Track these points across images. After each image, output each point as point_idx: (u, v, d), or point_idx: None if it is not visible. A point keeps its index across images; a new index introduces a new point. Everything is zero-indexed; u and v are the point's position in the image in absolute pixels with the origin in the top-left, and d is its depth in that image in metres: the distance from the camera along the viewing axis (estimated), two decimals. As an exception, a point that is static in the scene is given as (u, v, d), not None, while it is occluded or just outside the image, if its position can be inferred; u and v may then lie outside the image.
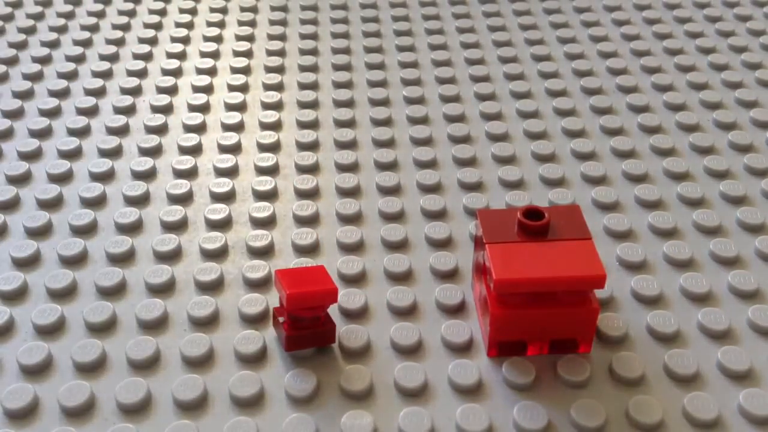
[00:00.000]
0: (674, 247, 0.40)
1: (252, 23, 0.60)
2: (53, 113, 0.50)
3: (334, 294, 0.33)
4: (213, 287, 0.38)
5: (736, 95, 0.51)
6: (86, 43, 0.57)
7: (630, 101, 0.50)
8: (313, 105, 0.51)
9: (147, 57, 0.55)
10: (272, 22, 0.59)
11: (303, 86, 0.52)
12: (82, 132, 0.48)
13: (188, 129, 0.49)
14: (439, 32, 0.58)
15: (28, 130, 0.48)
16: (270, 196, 0.44)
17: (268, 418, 0.33)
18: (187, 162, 0.46)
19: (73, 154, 0.46)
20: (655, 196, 0.43)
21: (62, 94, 0.52)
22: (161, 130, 0.49)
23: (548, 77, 0.53)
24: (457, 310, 0.37)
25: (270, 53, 0.56)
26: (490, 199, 0.43)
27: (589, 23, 0.59)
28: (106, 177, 0.45)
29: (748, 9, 0.60)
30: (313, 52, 0.56)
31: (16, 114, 0.50)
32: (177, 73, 0.54)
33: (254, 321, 0.36)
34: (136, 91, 0.52)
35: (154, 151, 0.47)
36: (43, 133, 0.48)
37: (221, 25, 0.59)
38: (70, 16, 0.60)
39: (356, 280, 0.39)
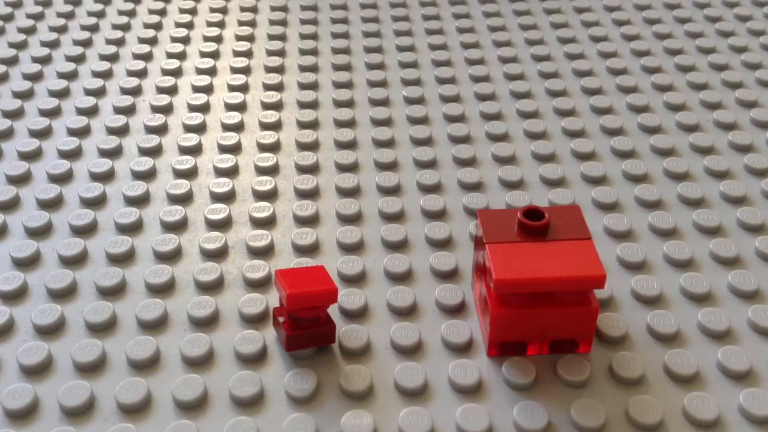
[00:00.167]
0: (674, 247, 0.40)
1: (252, 23, 0.60)
2: (53, 113, 0.50)
3: (334, 294, 0.33)
4: (213, 287, 0.38)
5: (736, 95, 0.51)
6: (86, 43, 0.57)
7: (630, 101, 0.50)
8: (313, 105, 0.51)
9: (147, 57, 0.55)
10: (272, 22, 0.59)
11: (303, 86, 0.52)
12: (82, 132, 0.48)
13: (188, 129, 0.49)
14: (439, 32, 0.58)
15: (28, 130, 0.48)
16: (270, 196, 0.44)
17: (268, 418, 0.33)
18: (187, 162, 0.46)
19: (73, 154, 0.46)
20: (655, 196, 0.43)
21: (62, 94, 0.52)
22: (161, 130, 0.49)
23: (548, 77, 0.53)
24: (457, 310, 0.37)
25: (270, 53, 0.56)
26: (490, 199, 0.43)
27: (589, 23, 0.59)
28: (106, 177, 0.45)
29: (748, 9, 0.60)
30: (313, 52, 0.56)
31: (16, 114, 0.50)
32: (177, 73, 0.54)
33: (254, 321, 0.36)
34: (136, 91, 0.52)
35: (154, 151, 0.47)
36: (43, 133, 0.48)
37: (221, 25, 0.59)
38: (70, 16, 0.60)
39: (356, 280, 0.39)
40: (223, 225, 0.42)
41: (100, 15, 0.60)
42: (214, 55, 0.56)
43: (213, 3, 0.62)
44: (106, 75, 0.53)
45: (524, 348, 0.34)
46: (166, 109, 0.50)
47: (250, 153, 0.47)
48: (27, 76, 0.53)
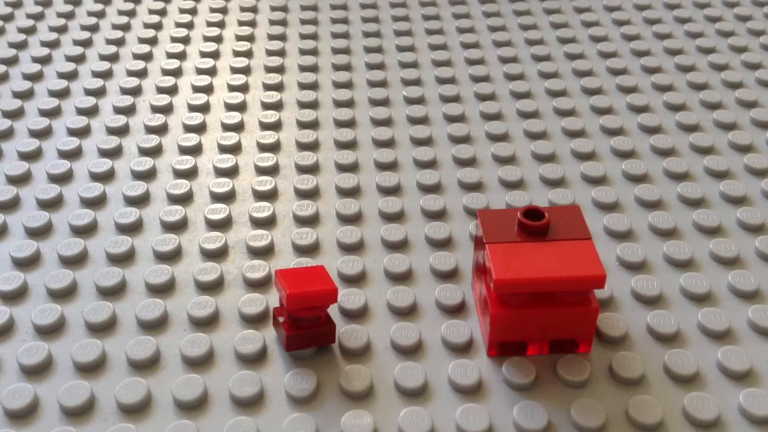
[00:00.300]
0: (674, 247, 0.40)
1: (252, 23, 0.60)
2: (53, 113, 0.50)
3: (334, 294, 0.33)
4: (213, 287, 0.38)
5: (736, 95, 0.51)
6: (86, 43, 0.57)
7: (630, 101, 0.50)
8: (313, 105, 0.51)
9: (147, 57, 0.55)
10: (272, 22, 0.59)
11: (303, 86, 0.52)
12: (82, 132, 0.48)
13: (188, 129, 0.49)
14: (439, 32, 0.58)
15: (28, 130, 0.48)
16: (270, 196, 0.44)
17: (268, 418, 0.33)
18: (187, 162, 0.46)
19: (73, 154, 0.46)
20: (655, 196, 0.43)
21: (62, 94, 0.52)
22: (161, 130, 0.49)
23: (548, 77, 0.53)
24: (457, 310, 0.37)
25: (270, 53, 0.56)
26: (490, 199, 0.43)
27: (589, 23, 0.59)
28: (106, 177, 0.45)
29: (748, 9, 0.60)
30: (313, 52, 0.56)
31: (16, 114, 0.50)
32: (177, 73, 0.54)
33: (254, 321, 0.36)
34: (136, 91, 0.52)
35: (154, 151, 0.47)
36: (43, 133, 0.48)
37: (221, 25, 0.59)
38: (70, 16, 0.60)
39: (356, 280, 0.39)
40: (223, 225, 0.42)
41: (100, 15, 0.60)
42: (214, 55, 0.56)
43: (213, 3, 0.62)
44: (106, 75, 0.53)
45: (524, 348, 0.34)
46: (166, 109, 0.50)
47: (250, 153, 0.47)
48: (27, 76, 0.53)
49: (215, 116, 0.50)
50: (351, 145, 0.47)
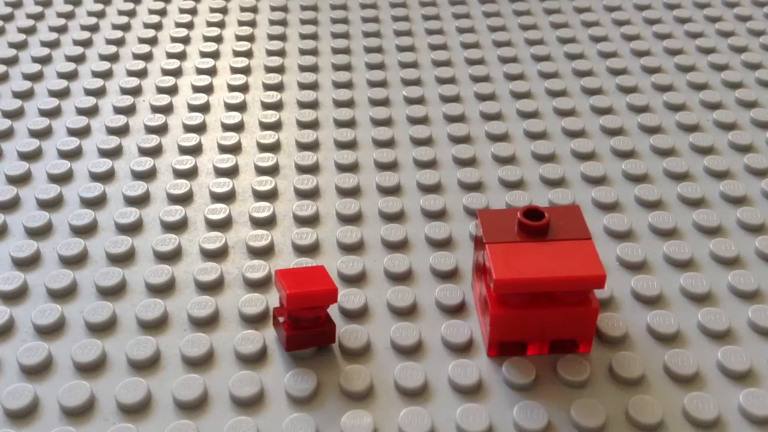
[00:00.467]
0: (674, 247, 0.40)
1: (252, 23, 0.60)
2: (53, 113, 0.50)
3: (334, 294, 0.33)
4: (213, 287, 0.38)
5: (736, 95, 0.51)
6: (86, 43, 0.57)
7: (630, 101, 0.50)
8: (313, 105, 0.51)
9: (147, 57, 0.55)
10: (272, 22, 0.59)
11: (303, 86, 0.52)
12: (82, 132, 0.48)
13: (188, 129, 0.49)
14: (439, 32, 0.58)
15: (28, 130, 0.48)
16: (270, 196, 0.44)
17: (268, 418, 0.33)
18: (187, 162, 0.46)
19: (73, 154, 0.46)
20: (655, 196, 0.43)
21: (62, 94, 0.52)
22: (161, 130, 0.49)
23: (548, 77, 0.53)
24: (457, 310, 0.37)
25: (270, 53, 0.56)
26: (490, 199, 0.43)
27: (589, 23, 0.59)
28: (106, 177, 0.45)
29: (748, 9, 0.60)
30: (313, 52, 0.56)
31: (16, 114, 0.50)
32: (177, 73, 0.54)
33: (254, 321, 0.36)
34: (136, 91, 0.52)
35: (154, 151, 0.47)
36: (43, 133, 0.48)
37: (221, 25, 0.59)
38: (70, 16, 0.60)
39: (356, 280, 0.39)
40: (223, 225, 0.42)
41: (100, 15, 0.60)
42: (214, 55, 0.56)
43: (213, 3, 0.62)
44: (106, 75, 0.53)
45: (524, 348, 0.34)
46: (166, 109, 0.50)
47: (250, 153, 0.47)
48: (27, 76, 0.53)
49: (215, 116, 0.50)
50: (351, 145, 0.47)
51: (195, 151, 0.47)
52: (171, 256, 0.40)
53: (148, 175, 0.45)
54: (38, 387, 0.34)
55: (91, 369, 0.34)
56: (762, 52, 0.55)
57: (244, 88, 0.52)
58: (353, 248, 0.40)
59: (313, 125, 0.49)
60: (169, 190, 0.43)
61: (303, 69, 0.54)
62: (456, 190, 0.44)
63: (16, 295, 0.38)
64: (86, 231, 0.41)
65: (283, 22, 0.59)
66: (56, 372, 0.34)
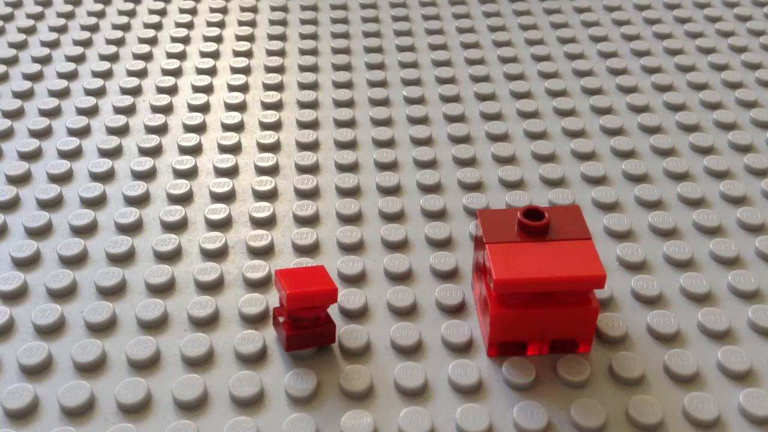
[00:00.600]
0: (674, 247, 0.40)
1: (252, 23, 0.60)
2: (53, 113, 0.50)
3: (334, 294, 0.33)
4: (213, 287, 0.38)
5: (736, 95, 0.51)
6: (86, 43, 0.57)
7: (630, 101, 0.50)
8: (313, 105, 0.51)
9: (147, 57, 0.55)
10: (272, 22, 0.59)
11: (303, 86, 0.52)
12: (82, 132, 0.48)
13: (188, 129, 0.49)
14: (439, 32, 0.58)
15: (28, 130, 0.48)
16: (270, 196, 0.44)
17: (268, 418, 0.33)
18: (187, 162, 0.46)
19: (73, 154, 0.46)
20: (655, 196, 0.43)
21: (62, 94, 0.52)
22: (161, 130, 0.49)
23: (548, 77, 0.53)
24: (457, 310, 0.37)
25: (270, 53, 0.56)
26: (490, 199, 0.43)
27: (589, 23, 0.59)
28: (106, 177, 0.45)
29: (748, 9, 0.60)
30: (313, 52, 0.56)
31: (16, 114, 0.50)
32: (177, 73, 0.54)
33: (254, 321, 0.36)
34: (136, 91, 0.52)
35: (154, 151, 0.47)
36: (43, 133, 0.48)
37: (221, 25, 0.59)
38: (70, 16, 0.60)
39: (356, 280, 0.39)
40: (223, 225, 0.42)
41: (100, 15, 0.60)
42: (214, 55, 0.56)
43: (213, 3, 0.62)
44: (106, 75, 0.53)
45: (524, 348, 0.34)
46: (166, 109, 0.50)
47: (250, 153, 0.47)
48: (27, 76, 0.53)
49: (215, 116, 0.50)
50: (351, 145, 0.47)
51: (195, 151, 0.47)
52: (171, 256, 0.40)
53: (148, 175, 0.45)
54: (38, 387, 0.34)
55: (91, 369, 0.34)
56: (762, 52, 0.55)
57: (244, 88, 0.52)
58: (353, 248, 0.40)
59: (313, 125, 0.49)
60: (169, 190, 0.43)
61: (303, 69, 0.54)
62: (456, 190, 0.44)
63: (16, 295, 0.38)
64: (86, 231, 0.41)
65: (283, 22, 0.59)
66: (56, 372, 0.34)
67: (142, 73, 0.54)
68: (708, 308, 0.37)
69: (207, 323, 0.36)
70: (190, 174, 0.45)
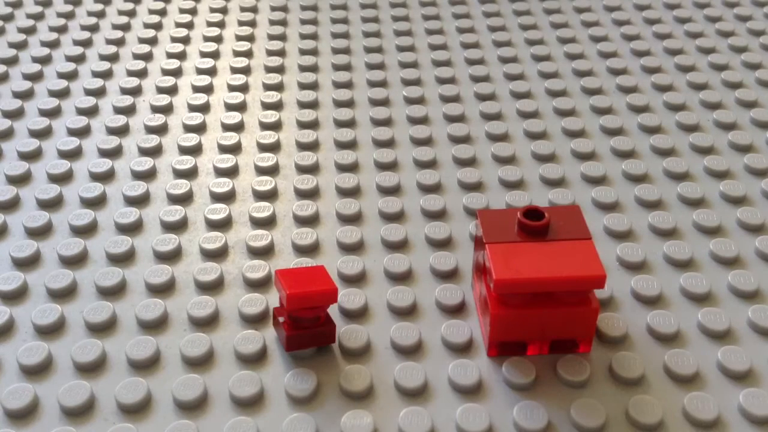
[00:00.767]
0: (674, 247, 0.40)
1: (252, 23, 0.60)
2: (53, 113, 0.50)
3: (334, 294, 0.33)
4: (213, 287, 0.38)
5: (736, 95, 0.51)
6: (86, 43, 0.57)
7: (630, 101, 0.50)
8: (313, 105, 0.51)
9: (147, 57, 0.55)
10: (272, 22, 0.59)
11: (303, 86, 0.52)
12: (82, 132, 0.48)
13: (188, 129, 0.49)
14: (439, 32, 0.58)
15: (28, 130, 0.48)
16: (270, 196, 0.44)
17: (268, 418, 0.33)
18: (187, 162, 0.46)
19: (73, 154, 0.46)
20: (655, 196, 0.43)
21: (62, 94, 0.52)
22: (161, 130, 0.49)
23: (548, 77, 0.53)
24: (457, 310, 0.37)
25: (270, 53, 0.56)
26: (490, 199, 0.43)
27: (589, 23, 0.59)
28: (106, 177, 0.45)
29: (748, 9, 0.60)
30: (313, 52, 0.56)
31: (16, 114, 0.50)
32: (177, 73, 0.54)
33: (254, 321, 0.36)
34: (136, 91, 0.52)
35: (154, 151, 0.47)
36: (43, 133, 0.48)
37: (221, 25, 0.59)
38: (70, 16, 0.60)
39: (356, 280, 0.39)
40: (223, 225, 0.42)
41: (100, 15, 0.60)
42: (214, 55, 0.56)
43: (213, 3, 0.62)
44: (106, 75, 0.53)
45: (524, 348, 0.34)
46: (166, 109, 0.50)
47: (250, 153, 0.47)
48: (27, 76, 0.53)
49: (215, 116, 0.50)
50: (351, 145, 0.47)
51: (195, 151, 0.47)
52: (171, 256, 0.40)
53: (148, 175, 0.45)
54: (38, 387, 0.34)
55: (91, 369, 0.34)
56: (762, 52, 0.55)
57: (244, 88, 0.52)
58: (353, 248, 0.40)
59: (313, 125, 0.49)
60: (169, 190, 0.43)
61: (303, 69, 0.54)
62: (456, 190, 0.44)
63: (16, 295, 0.38)
64: (86, 231, 0.41)
65: (283, 22, 0.59)
66: (56, 372, 0.34)
67: (142, 73, 0.54)
68: (708, 308, 0.37)
69: (207, 323, 0.36)
70: (190, 174, 0.45)
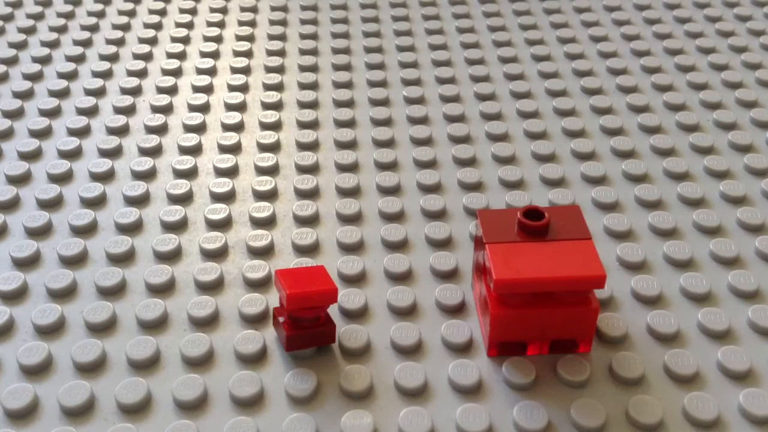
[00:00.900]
0: (674, 247, 0.40)
1: (252, 23, 0.60)
2: (53, 113, 0.50)
3: (334, 294, 0.33)
4: (213, 287, 0.38)
5: (736, 95, 0.51)
6: (86, 43, 0.57)
7: (630, 101, 0.50)
8: (313, 105, 0.51)
9: (147, 57, 0.55)
10: (272, 22, 0.59)
11: (303, 86, 0.52)
12: (82, 132, 0.48)
13: (188, 129, 0.49)
14: (439, 32, 0.58)
15: (28, 130, 0.48)
16: (270, 196, 0.44)
17: (268, 418, 0.33)
18: (187, 162, 0.46)
19: (73, 154, 0.46)
20: (655, 196, 0.43)
21: (62, 94, 0.52)
22: (161, 130, 0.49)
23: (548, 77, 0.53)
24: (457, 310, 0.37)
25: (270, 53, 0.56)
26: (490, 199, 0.43)
27: (589, 23, 0.59)
28: (106, 177, 0.45)
29: (748, 9, 0.60)
30: (313, 52, 0.56)
31: (16, 114, 0.50)
32: (177, 73, 0.54)
33: (254, 321, 0.36)
34: (136, 91, 0.52)
35: (154, 151, 0.47)
36: (43, 133, 0.48)
37: (221, 25, 0.59)
38: (70, 16, 0.60)
39: (356, 280, 0.39)
40: (223, 225, 0.42)
41: (100, 15, 0.60)
42: (214, 55, 0.56)
43: (213, 3, 0.62)
44: (106, 75, 0.53)
45: (524, 348, 0.34)
46: (166, 109, 0.50)
47: (250, 153, 0.47)
48: (27, 76, 0.53)
49: (215, 116, 0.50)
50: (351, 145, 0.47)
51: (195, 151, 0.47)
52: (171, 256, 0.40)
53: (148, 175, 0.45)
54: (38, 387, 0.34)
55: (91, 369, 0.34)
56: (762, 52, 0.55)
57: (244, 88, 0.52)
58: (353, 248, 0.40)
59: (313, 125, 0.49)
60: (169, 190, 0.43)
61: (303, 69, 0.54)
62: (456, 190, 0.44)
63: (16, 295, 0.38)
64: (86, 231, 0.41)
65: (283, 22, 0.59)
66: (56, 372, 0.34)
67: (142, 73, 0.54)
68: (708, 308, 0.37)
69: (207, 323, 0.36)
70: (190, 174, 0.45)
